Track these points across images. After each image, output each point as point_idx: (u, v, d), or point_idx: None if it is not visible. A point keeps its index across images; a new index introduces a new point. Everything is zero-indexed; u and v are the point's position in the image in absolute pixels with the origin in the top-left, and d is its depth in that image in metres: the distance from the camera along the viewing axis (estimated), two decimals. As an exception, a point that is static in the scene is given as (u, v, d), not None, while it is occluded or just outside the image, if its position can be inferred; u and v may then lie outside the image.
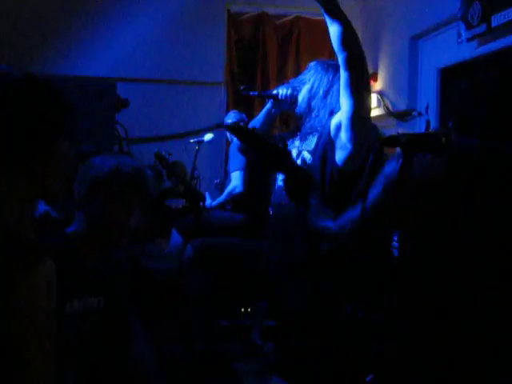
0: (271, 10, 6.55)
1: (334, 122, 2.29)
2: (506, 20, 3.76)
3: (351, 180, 2.33)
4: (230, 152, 4.63)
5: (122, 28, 5.96)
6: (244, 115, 4.87)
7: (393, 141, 1.41)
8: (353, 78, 2.12)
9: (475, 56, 4.34)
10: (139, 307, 2.81)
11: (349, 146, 2.22)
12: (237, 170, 4.41)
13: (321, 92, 2.43)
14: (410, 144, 1.35)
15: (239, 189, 4.37)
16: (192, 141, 4.80)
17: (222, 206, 4.54)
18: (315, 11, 6.65)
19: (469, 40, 4.21)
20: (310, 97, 2.46)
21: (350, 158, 2.25)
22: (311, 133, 2.42)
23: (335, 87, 2.38)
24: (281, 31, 6.81)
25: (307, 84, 2.49)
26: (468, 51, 4.39)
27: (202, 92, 6.43)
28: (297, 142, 2.50)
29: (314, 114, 2.44)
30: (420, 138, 1.39)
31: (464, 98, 4.78)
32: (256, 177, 4.46)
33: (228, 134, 4.89)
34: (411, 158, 1.34)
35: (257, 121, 2.74)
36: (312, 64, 2.56)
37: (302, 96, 2.49)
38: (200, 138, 4.79)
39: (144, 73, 5.80)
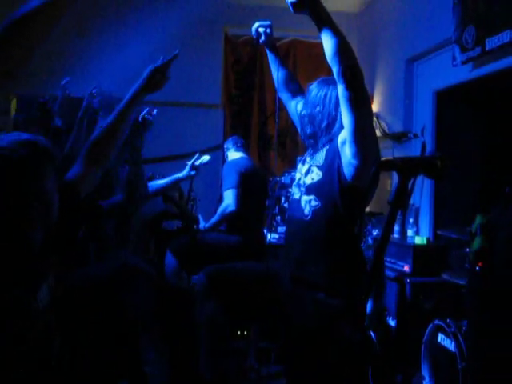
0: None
1: (340, 137, 2.30)
2: (500, 43, 3.79)
3: (362, 194, 2.34)
4: (222, 172, 4.62)
5: (120, 50, 6.01)
6: (242, 140, 4.88)
7: (388, 164, 1.42)
8: (349, 91, 2.13)
9: (470, 78, 4.38)
10: (154, 323, 2.83)
11: (354, 162, 2.23)
12: (229, 188, 4.36)
13: (327, 109, 2.45)
14: (406, 168, 1.35)
15: (231, 207, 4.31)
16: (189, 163, 4.80)
17: (215, 226, 4.49)
18: (311, 34, 6.71)
19: (463, 63, 4.25)
20: (315, 115, 2.48)
21: (358, 173, 2.26)
22: (320, 148, 2.45)
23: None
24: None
25: (313, 102, 2.51)
26: (463, 74, 4.43)
27: (200, 114, 6.46)
28: (308, 159, 2.53)
29: (321, 132, 2.46)
30: (415, 161, 1.39)
31: (459, 119, 4.84)
32: (249, 196, 4.44)
33: (225, 157, 4.90)
34: (407, 183, 1.35)
35: None
36: (315, 83, 2.57)
37: (310, 115, 2.50)
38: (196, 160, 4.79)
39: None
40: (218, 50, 6.65)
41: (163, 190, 4.29)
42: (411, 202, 5.03)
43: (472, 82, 4.40)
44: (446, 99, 4.99)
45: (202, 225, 4.49)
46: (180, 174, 4.36)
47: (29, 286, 1.48)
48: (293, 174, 5.40)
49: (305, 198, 2.41)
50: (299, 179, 2.51)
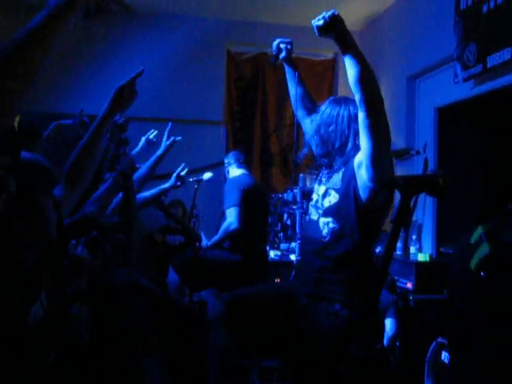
0: (270, 51, 6.60)
1: (356, 160, 2.35)
2: (501, 60, 3.81)
3: (378, 215, 2.37)
4: (224, 190, 4.63)
5: (123, 68, 6.04)
6: (243, 155, 4.89)
7: (391, 183, 1.43)
8: (370, 118, 2.16)
9: (472, 96, 4.39)
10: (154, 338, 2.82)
11: (370, 185, 2.28)
12: (231, 206, 4.37)
13: (340, 128, 2.49)
14: (408, 186, 1.36)
15: (234, 225, 4.32)
16: (191, 179, 4.81)
17: (218, 244, 4.49)
18: (313, 52, 6.77)
19: (465, 80, 4.27)
20: (329, 134, 2.51)
21: (374, 195, 2.30)
22: (336, 170, 2.49)
23: (353, 124, 2.44)
24: (279, 71, 6.87)
25: (326, 122, 2.54)
26: (464, 91, 4.44)
27: (202, 131, 6.47)
28: (323, 179, 2.57)
29: (335, 152, 2.50)
30: (417, 179, 1.40)
31: (461, 136, 4.85)
32: (252, 214, 4.44)
33: (225, 174, 4.91)
34: (409, 201, 1.35)
35: None
36: (326, 103, 2.61)
37: (323, 135, 2.53)
38: (199, 177, 4.80)
39: (144, 112, 5.84)
40: (220, 67, 6.68)
41: (149, 202, 4.28)
42: (414, 218, 5.02)
43: (473, 99, 4.41)
44: (447, 116, 4.99)
45: (205, 242, 4.49)
46: (165, 185, 4.36)
47: (24, 298, 1.50)
48: (295, 191, 5.41)
49: (323, 219, 2.46)
50: (316, 201, 2.55)
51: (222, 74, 6.71)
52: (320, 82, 6.83)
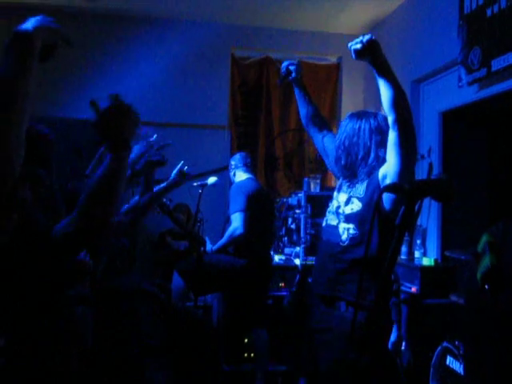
0: (274, 55, 6.62)
1: (381, 172, 2.44)
2: (505, 64, 3.81)
3: None
4: (229, 194, 4.62)
5: (128, 73, 6.06)
6: (250, 158, 4.88)
7: (396, 188, 1.43)
8: (401, 138, 2.28)
9: (476, 99, 4.39)
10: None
11: (394, 196, 2.35)
12: (237, 211, 4.37)
13: (362, 140, 2.58)
14: (413, 191, 1.35)
15: (240, 231, 4.32)
16: (196, 184, 4.80)
17: (223, 249, 4.49)
18: (317, 56, 6.77)
19: (469, 84, 4.26)
20: (352, 145, 2.59)
21: (397, 206, 2.37)
22: (359, 180, 2.57)
23: (374, 136, 2.55)
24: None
25: (348, 134, 2.62)
26: (469, 95, 4.44)
27: (206, 135, 6.48)
28: (344, 187, 2.64)
29: (358, 162, 2.58)
30: (422, 184, 1.40)
31: (466, 140, 4.85)
32: (257, 219, 4.44)
33: (231, 176, 4.89)
34: (414, 205, 1.35)
35: None
36: (346, 118, 2.70)
37: (347, 147, 2.61)
38: (204, 181, 4.79)
39: (149, 116, 5.86)
40: (224, 72, 6.69)
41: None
42: (418, 223, 5.01)
43: (478, 102, 4.41)
44: (452, 120, 4.99)
45: (209, 247, 4.49)
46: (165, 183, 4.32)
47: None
48: (300, 195, 5.40)
49: (343, 225, 2.53)
50: (338, 207, 2.61)
51: (227, 78, 6.71)
52: (323, 86, 6.82)
